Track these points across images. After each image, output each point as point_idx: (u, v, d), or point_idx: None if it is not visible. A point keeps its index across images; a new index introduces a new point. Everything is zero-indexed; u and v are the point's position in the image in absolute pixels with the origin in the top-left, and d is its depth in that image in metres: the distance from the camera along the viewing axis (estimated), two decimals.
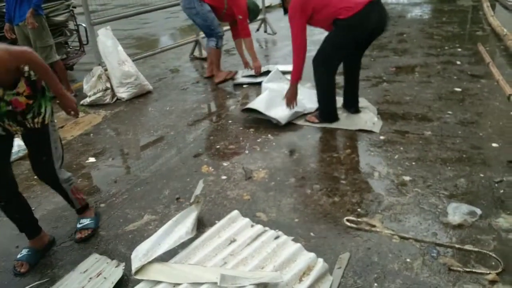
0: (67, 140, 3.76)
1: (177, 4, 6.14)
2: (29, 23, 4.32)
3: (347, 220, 2.32)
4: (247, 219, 2.26)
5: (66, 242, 2.39)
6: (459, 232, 2.18)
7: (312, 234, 2.25)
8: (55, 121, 2.28)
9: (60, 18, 5.41)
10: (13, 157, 3.32)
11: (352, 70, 3.56)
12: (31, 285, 2.09)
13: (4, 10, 4.46)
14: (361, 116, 3.58)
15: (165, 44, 7.56)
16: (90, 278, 2.04)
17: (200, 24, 4.64)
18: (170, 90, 4.90)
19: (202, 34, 5.33)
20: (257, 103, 3.69)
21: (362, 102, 3.79)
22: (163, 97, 4.66)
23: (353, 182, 2.71)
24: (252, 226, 2.21)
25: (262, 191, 2.70)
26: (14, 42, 4.50)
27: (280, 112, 3.61)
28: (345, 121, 3.55)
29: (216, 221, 2.33)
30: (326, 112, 3.56)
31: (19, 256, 2.25)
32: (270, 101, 3.69)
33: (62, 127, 4.00)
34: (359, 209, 2.42)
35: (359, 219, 2.33)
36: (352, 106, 3.66)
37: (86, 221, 2.46)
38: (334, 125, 3.52)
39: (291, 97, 3.50)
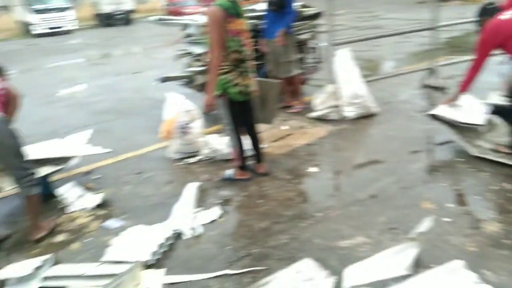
0: (294, 147, 4.09)
1: (418, 30, 6.01)
2: (277, 40, 4.90)
3: None
4: (472, 274, 2.03)
5: (282, 239, 2.61)
6: None
7: None
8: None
9: (305, 36, 5.95)
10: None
11: None
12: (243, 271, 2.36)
13: (260, 26, 5.17)
14: None
15: (393, 68, 7.45)
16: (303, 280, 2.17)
17: None
18: (395, 115, 4.80)
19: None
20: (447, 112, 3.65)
21: None
22: (387, 121, 4.61)
23: None
24: (477, 283, 1.97)
25: (492, 247, 2.37)
26: (263, 55, 5.16)
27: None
28: None
29: (432, 265, 2.17)
30: None
31: None
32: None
33: (290, 134, 4.39)
34: None
35: None
36: None
37: None
38: None
39: (450, 101, 3.71)
